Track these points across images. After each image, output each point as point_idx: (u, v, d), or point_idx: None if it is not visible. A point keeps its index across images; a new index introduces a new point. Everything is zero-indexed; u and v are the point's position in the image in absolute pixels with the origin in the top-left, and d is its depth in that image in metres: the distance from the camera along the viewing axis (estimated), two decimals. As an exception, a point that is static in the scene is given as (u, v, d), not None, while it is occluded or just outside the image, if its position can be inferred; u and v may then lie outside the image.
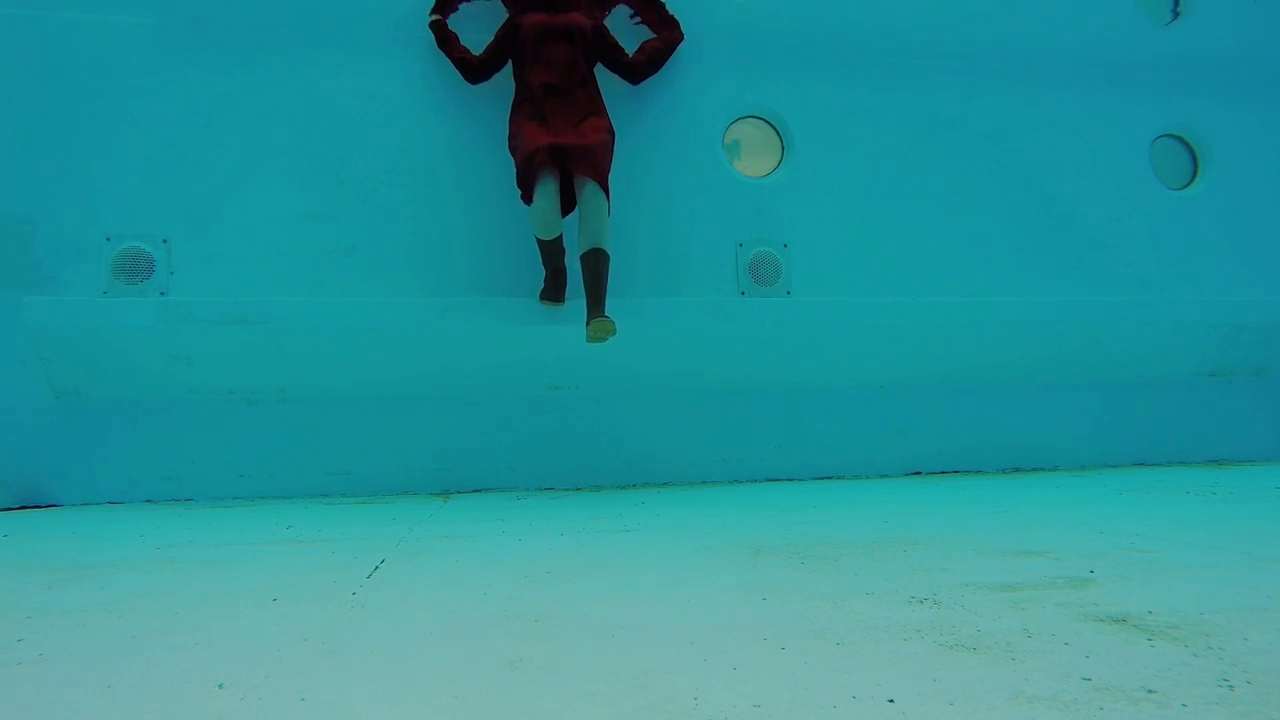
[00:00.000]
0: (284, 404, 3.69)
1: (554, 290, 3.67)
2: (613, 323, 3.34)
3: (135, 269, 3.56)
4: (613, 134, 3.67)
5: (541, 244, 3.55)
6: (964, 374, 4.23)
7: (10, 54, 3.61)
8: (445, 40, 3.82)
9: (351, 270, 3.72)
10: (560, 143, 3.47)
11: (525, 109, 3.65)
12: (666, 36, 3.97)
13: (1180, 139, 4.69)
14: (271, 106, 3.75)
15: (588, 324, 3.36)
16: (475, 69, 3.81)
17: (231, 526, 2.83)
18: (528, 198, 3.53)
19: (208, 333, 3.52)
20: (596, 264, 3.46)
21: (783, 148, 4.24)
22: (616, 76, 3.91)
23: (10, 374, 3.50)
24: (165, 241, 3.60)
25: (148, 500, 3.54)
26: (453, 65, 3.82)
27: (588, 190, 3.49)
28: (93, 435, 3.55)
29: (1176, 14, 4.61)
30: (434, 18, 3.83)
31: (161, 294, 3.56)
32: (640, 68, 3.91)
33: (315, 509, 3.24)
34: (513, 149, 3.63)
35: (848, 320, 4.03)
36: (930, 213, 4.25)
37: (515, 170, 3.59)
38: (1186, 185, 4.66)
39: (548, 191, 3.46)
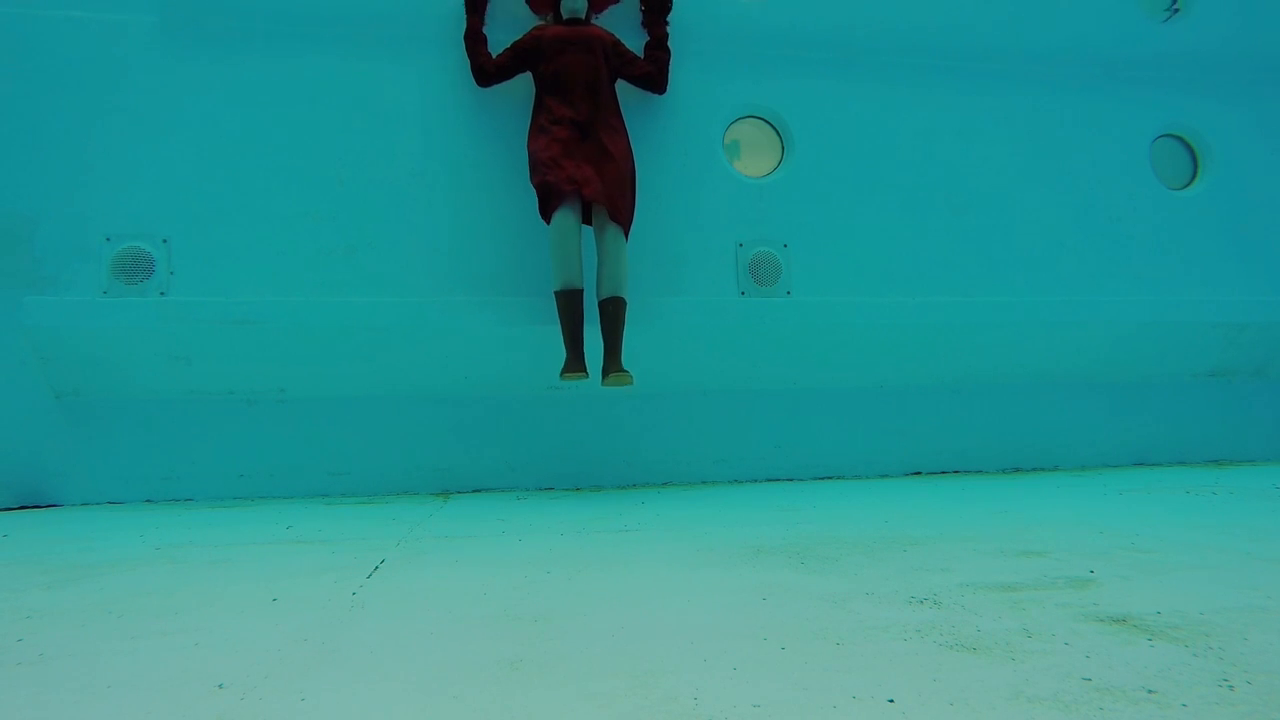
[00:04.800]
0: (284, 404, 3.69)
1: (576, 362, 3.40)
2: (630, 375, 3.31)
3: (135, 269, 3.56)
4: (633, 161, 3.67)
5: (560, 299, 3.41)
6: (964, 374, 4.23)
7: (10, 53, 3.61)
8: (475, 38, 3.78)
9: (351, 270, 3.71)
10: (584, 175, 3.44)
11: (545, 123, 3.60)
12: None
13: (1180, 139, 4.69)
14: (272, 106, 3.74)
15: (604, 375, 3.34)
16: (489, 75, 3.77)
17: (231, 526, 2.83)
18: (546, 217, 3.51)
19: (208, 333, 3.52)
20: (616, 313, 3.41)
21: (783, 148, 4.24)
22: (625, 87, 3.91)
23: (10, 374, 3.50)
24: (165, 241, 3.60)
25: (148, 500, 3.54)
26: (469, 63, 3.80)
27: (610, 231, 3.46)
28: (93, 435, 3.55)
29: (1175, 9, 4.60)
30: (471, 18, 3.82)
31: (161, 294, 3.56)
32: (659, 78, 3.90)
33: (315, 509, 3.24)
34: (531, 166, 3.57)
35: (848, 320, 4.03)
36: (930, 213, 4.25)
37: (531, 178, 3.57)
38: (1186, 185, 4.67)
39: (569, 229, 3.39)
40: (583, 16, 3.85)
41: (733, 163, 4.17)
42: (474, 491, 3.74)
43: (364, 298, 3.67)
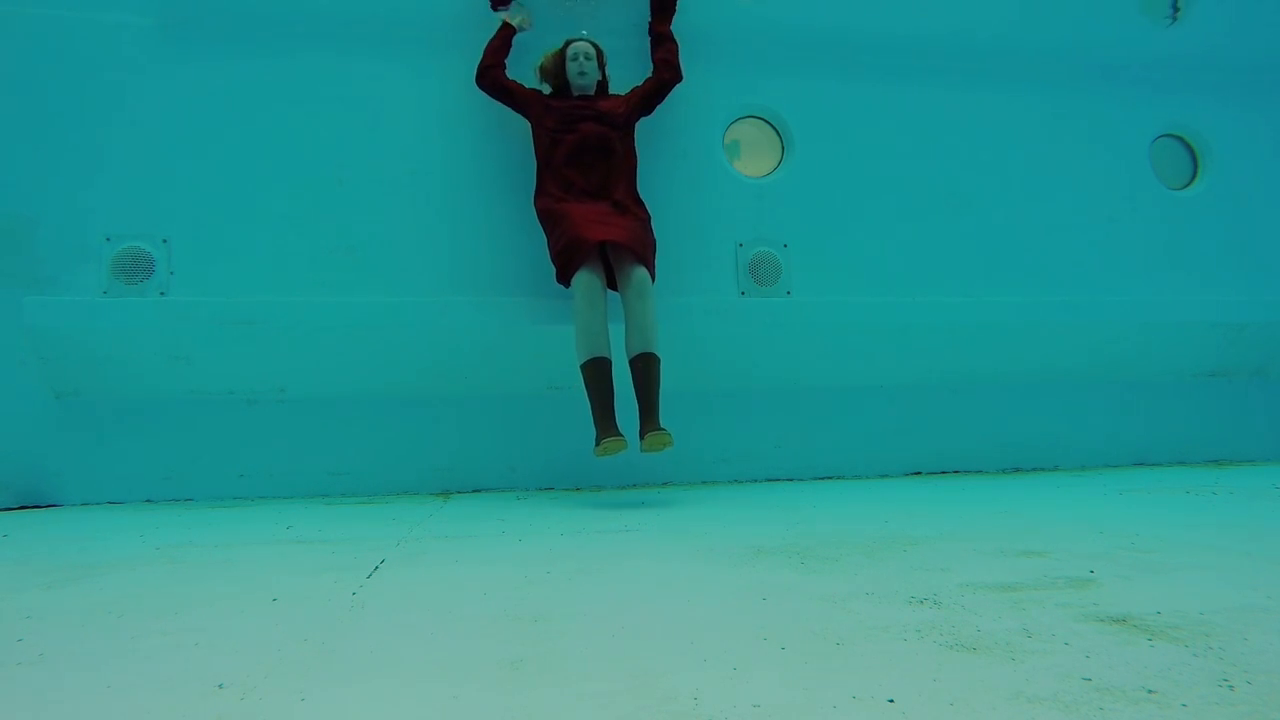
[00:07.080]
0: (284, 404, 3.68)
1: (611, 431, 3.17)
2: (670, 435, 3.15)
3: (135, 269, 3.56)
4: (649, 218, 3.66)
5: (587, 372, 3.24)
6: (964, 374, 4.23)
7: (10, 53, 3.61)
8: (503, 43, 3.75)
9: (351, 270, 3.71)
10: (601, 220, 3.41)
11: (552, 188, 3.57)
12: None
13: (1180, 139, 4.69)
14: (272, 106, 3.74)
15: (642, 437, 3.16)
16: (495, 85, 3.71)
17: (231, 526, 2.83)
18: (565, 280, 3.44)
19: (208, 333, 3.52)
20: (648, 370, 3.25)
21: (783, 148, 4.24)
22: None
23: (10, 374, 3.49)
24: (165, 241, 3.60)
25: (148, 500, 3.54)
26: (481, 59, 3.73)
27: (636, 282, 3.35)
28: (93, 435, 3.55)
29: (1176, 13, 4.60)
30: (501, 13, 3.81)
31: (161, 294, 3.56)
32: (671, 74, 3.86)
33: (315, 509, 3.24)
34: (544, 225, 3.56)
35: (848, 320, 4.03)
36: (930, 213, 4.25)
37: (547, 243, 3.55)
38: (1186, 185, 4.67)
39: (593, 291, 3.27)
40: (592, 94, 3.79)
41: (733, 163, 4.17)
42: (474, 491, 3.74)
43: (364, 298, 3.67)
